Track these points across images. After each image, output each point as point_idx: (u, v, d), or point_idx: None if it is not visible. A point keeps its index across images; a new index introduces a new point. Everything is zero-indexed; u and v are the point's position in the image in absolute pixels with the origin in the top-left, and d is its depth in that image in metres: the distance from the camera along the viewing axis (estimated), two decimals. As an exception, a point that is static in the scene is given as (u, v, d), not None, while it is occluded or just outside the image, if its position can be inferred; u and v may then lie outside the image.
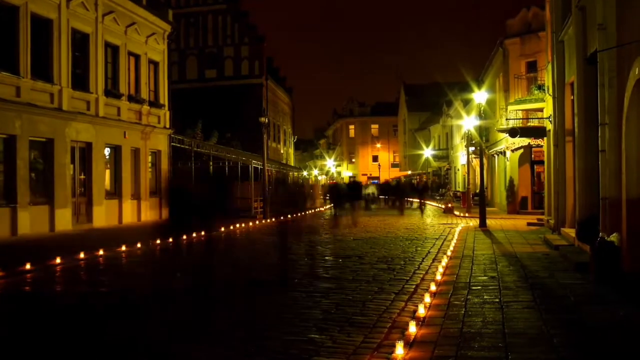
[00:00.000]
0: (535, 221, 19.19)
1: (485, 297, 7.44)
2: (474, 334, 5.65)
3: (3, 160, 16.94)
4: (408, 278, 9.05)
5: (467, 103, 37.62)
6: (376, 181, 64.12)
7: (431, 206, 35.12)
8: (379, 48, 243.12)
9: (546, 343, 5.37)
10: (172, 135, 25.98)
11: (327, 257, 11.76)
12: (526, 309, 6.70)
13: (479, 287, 8.11)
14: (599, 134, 9.58)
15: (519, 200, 25.36)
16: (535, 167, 25.38)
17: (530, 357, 4.96)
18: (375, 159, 79.14)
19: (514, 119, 22.85)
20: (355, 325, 6.14)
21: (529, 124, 22.55)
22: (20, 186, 17.00)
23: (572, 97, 13.65)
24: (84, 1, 20.02)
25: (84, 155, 20.28)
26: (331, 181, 71.19)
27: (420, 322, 6.08)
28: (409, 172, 63.44)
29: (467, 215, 24.68)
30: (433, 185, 51.92)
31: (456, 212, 26.51)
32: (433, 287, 7.87)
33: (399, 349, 4.97)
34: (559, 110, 15.08)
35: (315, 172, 79.04)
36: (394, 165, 76.27)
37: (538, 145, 22.76)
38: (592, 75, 10.70)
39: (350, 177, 65.65)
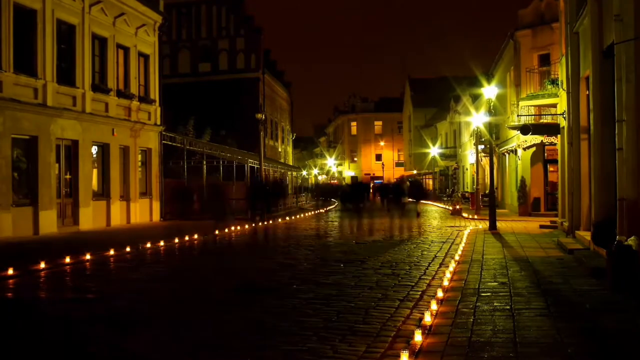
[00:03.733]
0: (549, 223, 19.21)
1: (495, 304, 7.44)
2: (483, 344, 5.65)
3: (-16, 159, 16.94)
4: (413, 284, 9.06)
5: (476, 98, 37.62)
6: (380, 181, 64.12)
7: (438, 208, 35.14)
8: (382, 40, 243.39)
9: (560, 353, 5.37)
10: (163, 133, 25.99)
11: (327, 262, 11.76)
12: (539, 317, 6.70)
13: (488, 294, 8.11)
14: (616, 131, 9.58)
15: (531, 202, 25.38)
16: (548, 166, 25.39)
17: (543, 368, 4.96)
18: (378, 157, 79.15)
19: (526, 115, 22.85)
20: (357, 334, 6.14)
21: (541, 120, 22.54)
22: (2, 186, 16.99)
23: (587, 92, 13.66)
24: (70, -10, 20.03)
25: (70, 153, 20.28)
26: (332, 181, 71.30)
27: (427, 331, 6.08)
28: (415, 172, 63.45)
29: (476, 217, 24.71)
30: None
31: (464, 214, 26.53)
32: (440, 294, 7.87)
33: (404, 359, 4.97)
34: (573, 106, 15.08)
35: (315, 171, 79.08)
36: (398, 165, 76.26)
37: (551, 143, 22.77)
38: (608, 69, 10.70)
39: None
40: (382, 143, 78.50)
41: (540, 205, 25.34)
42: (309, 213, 31.13)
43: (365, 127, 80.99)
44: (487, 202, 23.53)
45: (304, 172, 66.25)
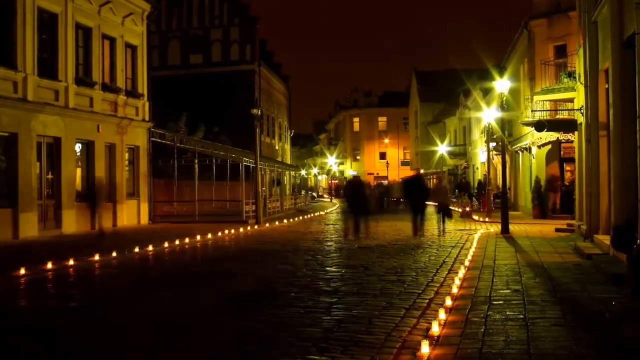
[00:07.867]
0: (565, 227, 19.20)
1: (507, 313, 7.45)
2: (495, 355, 5.65)
3: (-40, 158, 16.97)
4: (420, 291, 9.06)
5: (487, 93, 37.63)
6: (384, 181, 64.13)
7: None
8: (387, 30, 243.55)
9: (577, 365, 5.38)
10: (152, 129, 26.00)
11: (328, 268, 11.77)
12: (555, 327, 6.71)
13: (500, 302, 8.11)
14: (637, 128, 9.59)
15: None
16: (564, 165, 25.38)
17: (559, 381, 4.97)
18: (382, 156, 79.12)
19: (541, 110, 22.83)
20: (360, 345, 6.14)
21: (557, 116, 22.53)
22: (-20, 187, 17.01)
23: (606, 86, 13.66)
24: (52, -23, 20.03)
25: (52, 151, 20.28)
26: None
27: (434, 342, 6.08)
28: (421, 171, 63.45)
29: (487, 220, 24.71)
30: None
31: (475, 217, 26.54)
32: (449, 302, 7.88)
33: (410, 372, 4.98)
34: (591, 101, 15.08)
35: (314, 170, 79.19)
36: (404, 164, 76.24)
37: (568, 141, 22.75)
38: (629, 61, 10.70)
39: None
40: (386, 140, 78.46)
41: (556, 207, 25.32)
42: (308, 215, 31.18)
43: (369, 123, 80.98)
44: (499, 203, 23.52)
45: (303, 172, 66.32)
